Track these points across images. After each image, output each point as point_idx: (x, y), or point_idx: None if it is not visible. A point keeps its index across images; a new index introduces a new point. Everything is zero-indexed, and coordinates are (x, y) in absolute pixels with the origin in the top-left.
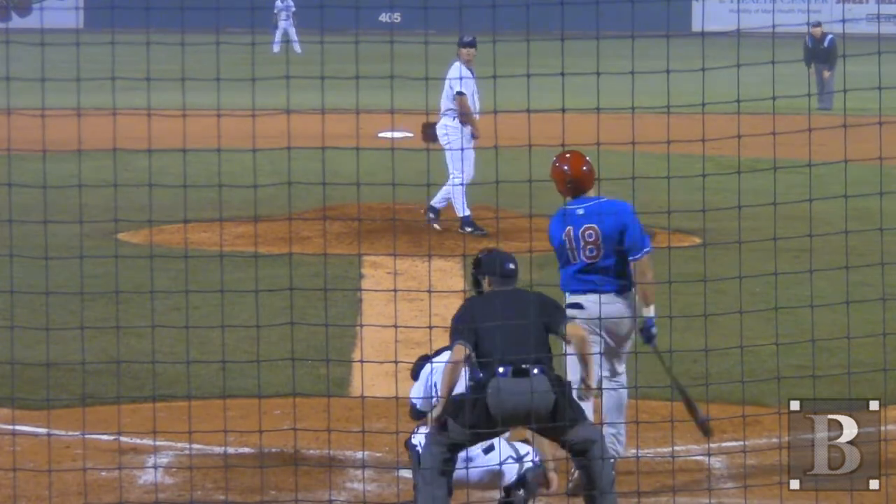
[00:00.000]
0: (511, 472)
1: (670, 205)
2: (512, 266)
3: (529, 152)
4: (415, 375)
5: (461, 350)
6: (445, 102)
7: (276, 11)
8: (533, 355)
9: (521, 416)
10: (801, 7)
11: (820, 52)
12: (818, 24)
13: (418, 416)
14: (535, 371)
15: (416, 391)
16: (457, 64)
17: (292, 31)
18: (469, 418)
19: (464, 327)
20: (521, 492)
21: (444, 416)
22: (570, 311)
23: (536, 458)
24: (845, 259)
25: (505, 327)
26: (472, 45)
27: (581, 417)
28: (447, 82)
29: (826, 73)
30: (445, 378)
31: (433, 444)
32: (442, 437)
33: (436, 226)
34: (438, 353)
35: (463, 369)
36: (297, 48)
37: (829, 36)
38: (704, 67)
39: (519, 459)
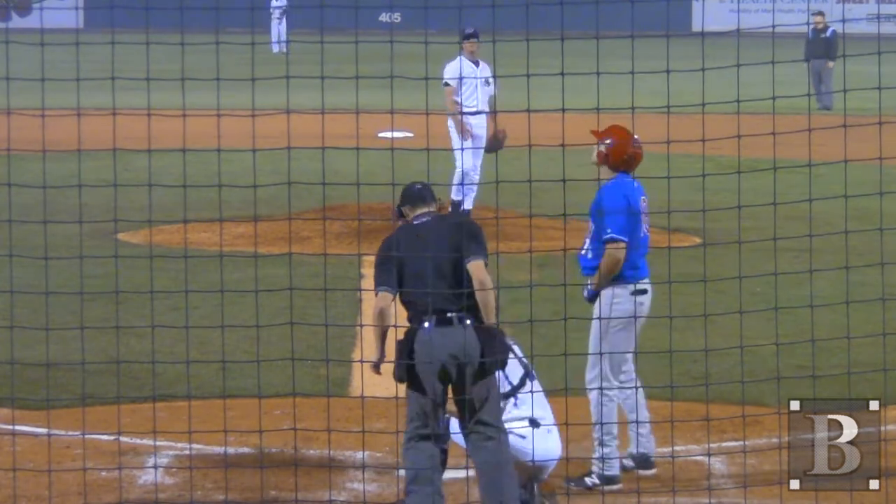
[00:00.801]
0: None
1: (670, 205)
2: (419, 187)
3: (529, 152)
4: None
5: (386, 296)
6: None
7: (270, 10)
8: (459, 302)
9: (450, 369)
10: (801, 7)
11: (819, 43)
12: (821, 13)
13: None
14: (465, 321)
15: None
16: (457, 59)
17: (283, 31)
18: (399, 372)
19: (385, 271)
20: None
21: (378, 363)
22: (639, 298)
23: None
24: (845, 259)
25: (427, 268)
26: (472, 37)
27: (492, 384)
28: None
29: (830, 64)
30: (375, 326)
31: (416, 445)
32: (416, 430)
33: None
34: None
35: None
36: (285, 47)
37: (831, 28)
38: (704, 67)
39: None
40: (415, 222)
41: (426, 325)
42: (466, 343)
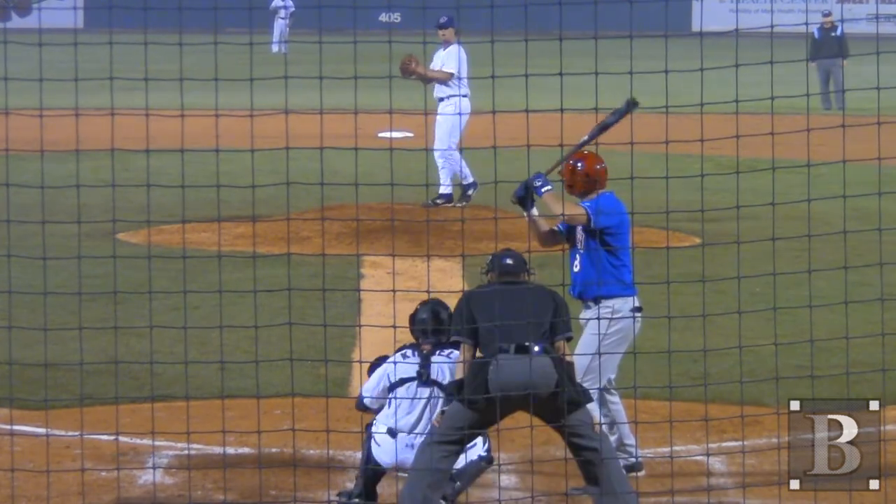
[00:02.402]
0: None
1: (669, 205)
2: (510, 261)
3: (528, 152)
4: (371, 371)
5: (467, 349)
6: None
7: (271, 9)
8: (534, 335)
9: (521, 395)
10: (800, 7)
11: (831, 42)
12: (829, 14)
13: (364, 408)
14: (536, 349)
15: (369, 386)
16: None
17: (286, 32)
18: (469, 395)
19: (462, 323)
20: (457, 483)
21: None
22: (638, 315)
23: (484, 450)
24: (844, 259)
25: (505, 311)
26: (441, 26)
27: (583, 402)
28: None
29: (845, 62)
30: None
31: (433, 444)
32: (442, 435)
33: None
34: (398, 351)
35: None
36: (284, 48)
37: (840, 27)
38: (703, 67)
39: (465, 450)
40: (497, 282)
41: (503, 346)
42: (541, 371)
